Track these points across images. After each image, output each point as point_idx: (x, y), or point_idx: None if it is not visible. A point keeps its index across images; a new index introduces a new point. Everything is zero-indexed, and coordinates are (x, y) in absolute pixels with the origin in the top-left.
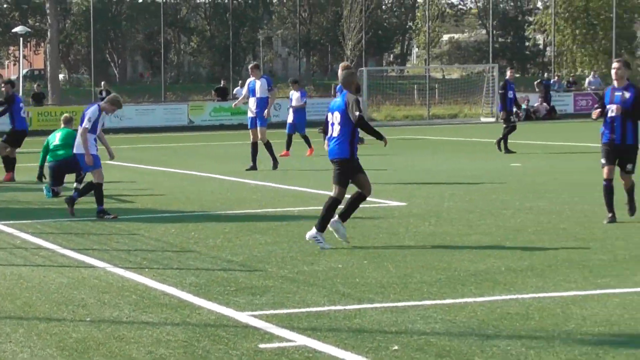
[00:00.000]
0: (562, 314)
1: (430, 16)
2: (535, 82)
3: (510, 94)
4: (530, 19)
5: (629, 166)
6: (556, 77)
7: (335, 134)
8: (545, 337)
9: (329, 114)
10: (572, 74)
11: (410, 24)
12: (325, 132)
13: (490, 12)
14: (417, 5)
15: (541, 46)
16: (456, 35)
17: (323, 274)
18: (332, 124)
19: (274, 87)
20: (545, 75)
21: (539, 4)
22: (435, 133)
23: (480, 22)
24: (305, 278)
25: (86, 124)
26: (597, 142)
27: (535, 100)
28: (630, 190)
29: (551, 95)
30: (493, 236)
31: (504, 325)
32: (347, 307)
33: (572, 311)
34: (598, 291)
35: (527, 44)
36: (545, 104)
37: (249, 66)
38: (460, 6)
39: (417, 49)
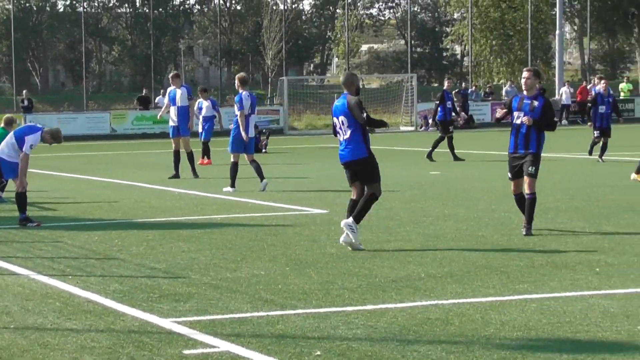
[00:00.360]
0: (481, 319)
1: (349, 26)
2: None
3: (448, 104)
4: (448, 30)
5: (531, 168)
6: (474, 87)
7: (347, 137)
8: (465, 342)
9: (334, 119)
10: (489, 84)
11: (330, 34)
12: (336, 134)
13: (409, 23)
14: (336, 15)
15: (459, 56)
16: (375, 46)
17: (246, 280)
18: (341, 128)
19: (194, 97)
20: (463, 85)
21: (456, 16)
22: None
23: (398, 32)
24: (228, 285)
25: (28, 150)
26: None
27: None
28: (531, 202)
29: (469, 105)
30: (413, 243)
31: (425, 331)
32: (270, 313)
33: (491, 316)
34: (516, 297)
35: (444, 54)
36: (463, 113)
37: (170, 75)
38: (379, 17)
39: (336, 58)
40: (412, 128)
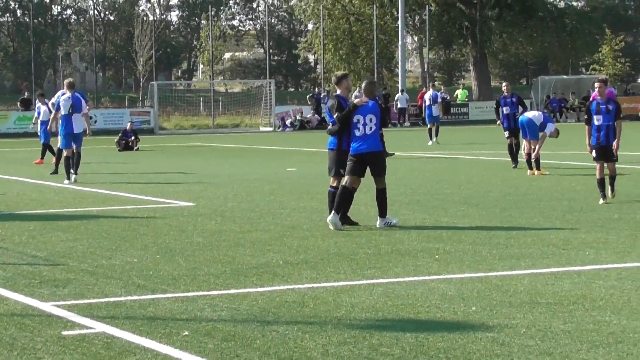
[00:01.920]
0: (334, 302)
1: (213, 36)
2: (307, 96)
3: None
4: (302, 39)
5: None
6: (326, 92)
7: (369, 132)
8: (319, 322)
9: (359, 116)
10: None
11: (196, 43)
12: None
13: (267, 33)
14: (201, 26)
15: (312, 64)
16: (237, 54)
17: (120, 267)
18: (365, 124)
19: (88, 100)
20: (316, 89)
21: (310, 27)
22: (220, 141)
23: (258, 42)
24: (103, 271)
25: None
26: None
27: (308, 112)
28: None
29: (322, 108)
30: (272, 233)
31: (282, 313)
32: (142, 297)
33: (342, 299)
34: (364, 281)
35: (299, 61)
36: (316, 115)
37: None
38: (240, 27)
39: (202, 65)
40: (271, 129)
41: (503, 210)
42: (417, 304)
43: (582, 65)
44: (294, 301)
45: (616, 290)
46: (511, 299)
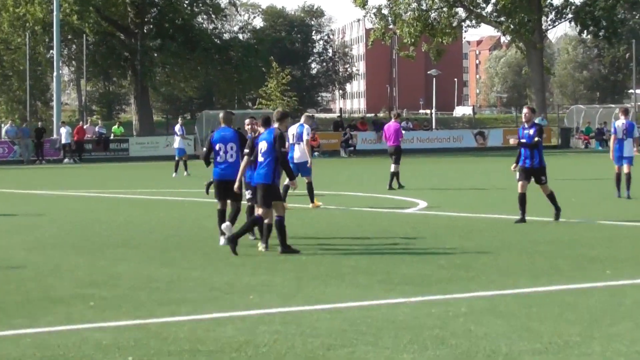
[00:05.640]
0: None
1: None
2: None
3: None
4: None
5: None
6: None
7: (231, 160)
8: None
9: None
10: None
11: None
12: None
13: None
14: None
15: None
16: None
17: None
18: (226, 152)
19: None
20: None
21: None
22: None
23: None
24: None
25: None
26: None
27: None
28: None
29: None
30: None
31: None
32: None
33: None
34: (11, 332)
35: None
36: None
37: None
38: None
39: None
40: None
41: (164, 252)
42: (70, 354)
43: (249, 99)
44: None
45: (280, 335)
46: (170, 347)
